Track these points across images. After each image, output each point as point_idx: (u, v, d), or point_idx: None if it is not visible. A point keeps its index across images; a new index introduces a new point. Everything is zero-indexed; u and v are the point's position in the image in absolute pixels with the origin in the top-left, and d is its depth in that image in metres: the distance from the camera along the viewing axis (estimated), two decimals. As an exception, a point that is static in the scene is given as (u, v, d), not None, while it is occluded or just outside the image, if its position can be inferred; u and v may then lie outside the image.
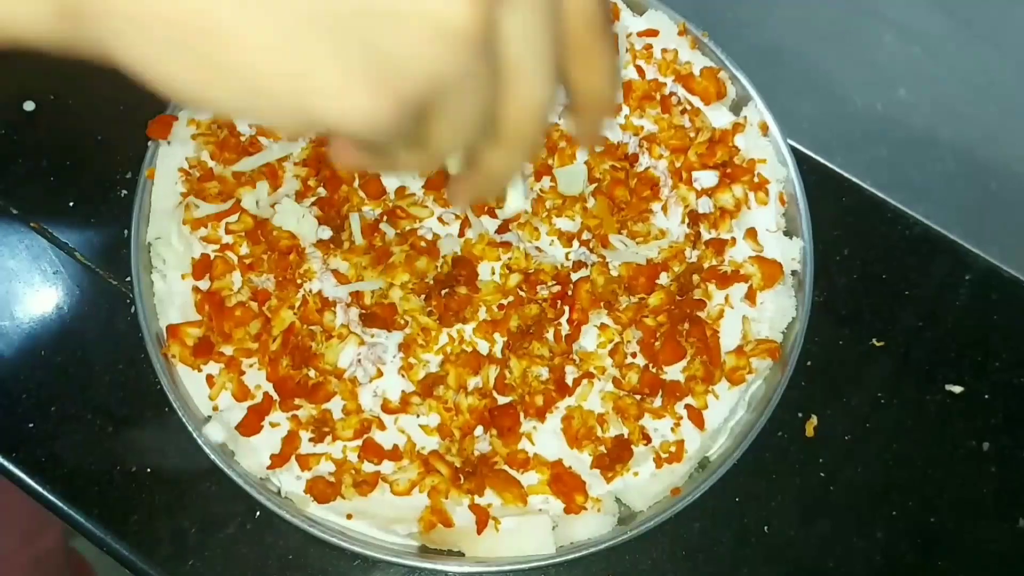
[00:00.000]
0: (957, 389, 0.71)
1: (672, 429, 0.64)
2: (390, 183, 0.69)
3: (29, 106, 0.73)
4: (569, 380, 0.65)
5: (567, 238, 0.68)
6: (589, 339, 0.66)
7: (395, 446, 0.62)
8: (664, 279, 0.68)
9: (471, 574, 0.61)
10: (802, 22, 0.84)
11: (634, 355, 0.66)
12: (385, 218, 0.67)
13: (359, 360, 0.64)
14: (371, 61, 0.23)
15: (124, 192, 0.71)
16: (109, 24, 0.23)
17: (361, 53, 0.23)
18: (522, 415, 0.64)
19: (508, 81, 0.27)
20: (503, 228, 0.68)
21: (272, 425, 0.62)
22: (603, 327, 0.66)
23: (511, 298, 0.66)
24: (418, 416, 0.63)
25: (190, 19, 0.22)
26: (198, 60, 0.23)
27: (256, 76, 0.23)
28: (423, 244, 0.67)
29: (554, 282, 0.67)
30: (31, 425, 0.65)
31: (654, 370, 0.66)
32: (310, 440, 0.62)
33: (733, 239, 0.70)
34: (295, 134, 0.24)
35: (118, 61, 0.24)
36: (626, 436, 0.64)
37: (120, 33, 0.23)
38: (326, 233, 0.66)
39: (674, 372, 0.66)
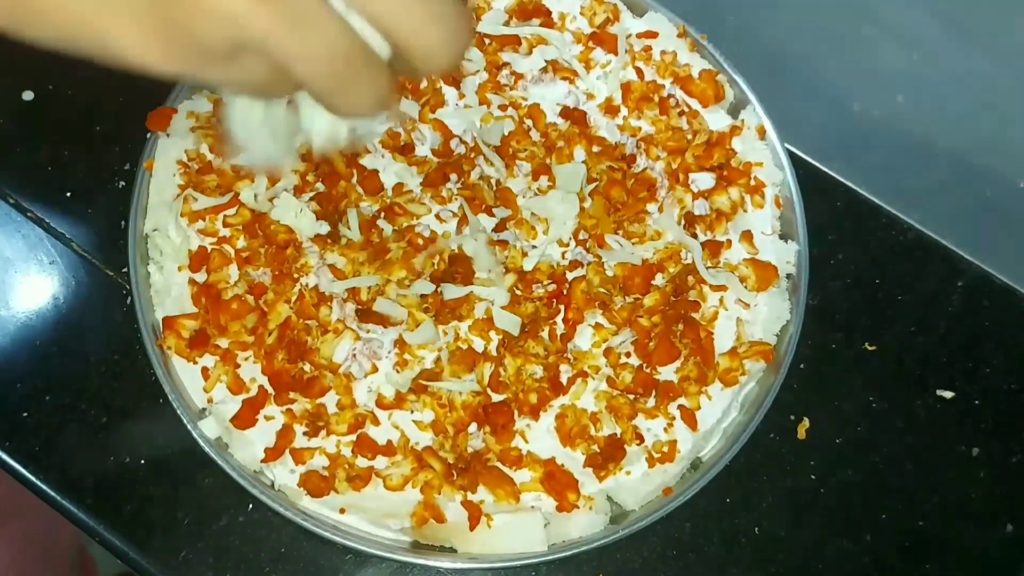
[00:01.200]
0: (948, 394, 0.72)
1: (665, 429, 0.65)
2: (388, 179, 0.69)
3: (28, 96, 0.73)
4: (563, 379, 0.65)
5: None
6: (584, 338, 0.66)
7: (389, 441, 0.63)
8: (659, 280, 0.68)
9: (463, 570, 0.61)
10: (801, 27, 0.84)
11: (628, 355, 0.66)
12: (383, 214, 0.67)
13: (354, 355, 0.64)
14: (159, 25, 0.30)
15: (122, 183, 0.71)
16: None
17: (150, 16, 0.30)
18: (516, 413, 0.64)
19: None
20: (500, 227, 0.68)
21: (267, 418, 0.63)
22: (598, 327, 0.66)
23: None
24: (412, 412, 0.63)
25: None
26: (16, 10, 0.31)
27: (63, 25, 0.31)
28: (420, 241, 0.67)
29: (550, 281, 0.67)
30: (25, 415, 0.65)
31: (648, 370, 0.66)
32: (304, 434, 0.62)
33: (729, 241, 0.70)
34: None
35: None
36: (619, 435, 0.64)
37: None
38: (324, 228, 0.66)
39: (668, 372, 0.66)
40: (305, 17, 0.32)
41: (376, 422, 0.63)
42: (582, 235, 0.69)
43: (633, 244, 0.69)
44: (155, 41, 0.31)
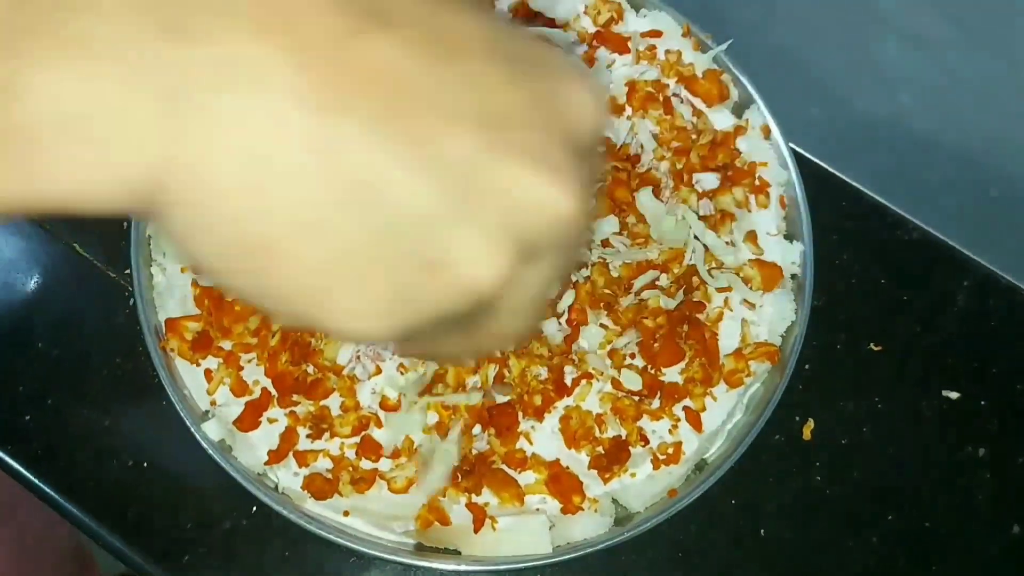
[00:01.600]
0: (954, 395, 0.71)
1: (670, 431, 0.65)
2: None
3: (29, 96, 0.72)
4: (568, 380, 0.65)
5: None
6: (589, 339, 0.66)
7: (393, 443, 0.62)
8: (664, 281, 0.68)
9: (467, 572, 0.61)
10: (806, 26, 0.84)
11: (633, 356, 0.66)
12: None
13: (358, 357, 0.64)
14: (391, 295, 0.24)
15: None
16: (177, 214, 0.23)
17: (386, 288, 0.24)
18: (520, 414, 0.64)
19: (498, 313, 0.28)
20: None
21: (270, 421, 0.62)
22: (602, 327, 0.66)
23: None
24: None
25: (252, 234, 0.23)
26: (244, 265, 0.24)
27: (286, 289, 0.24)
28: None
29: (554, 282, 0.67)
30: (28, 418, 0.65)
31: (653, 371, 0.66)
32: (308, 437, 0.62)
33: (732, 241, 0.70)
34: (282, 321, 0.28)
35: (171, 234, 0.24)
36: (624, 437, 0.64)
37: (185, 224, 0.23)
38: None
39: (672, 374, 0.66)
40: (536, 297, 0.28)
41: (380, 424, 0.63)
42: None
43: (638, 245, 0.68)
44: (378, 313, 0.25)
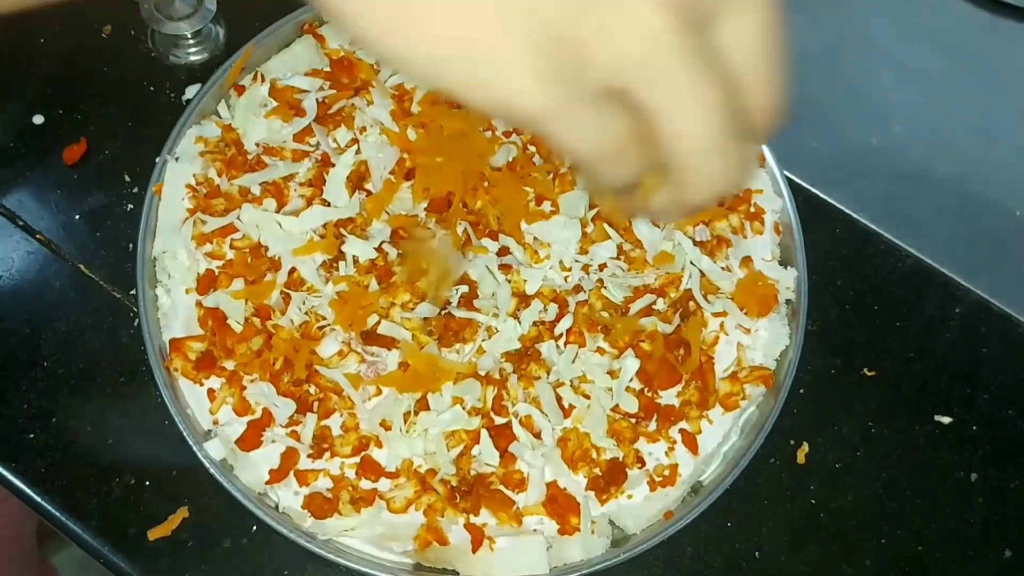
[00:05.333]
0: (946, 420, 0.72)
1: (666, 453, 0.65)
2: (394, 206, 0.70)
3: (38, 119, 0.74)
4: (565, 402, 0.65)
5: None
6: (586, 362, 0.67)
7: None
8: (660, 305, 0.69)
9: (465, 593, 0.61)
10: (800, 56, 0.85)
11: (630, 379, 0.66)
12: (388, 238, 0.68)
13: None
14: (548, 46, 0.24)
15: (131, 207, 0.72)
16: None
17: (539, 36, 0.24)
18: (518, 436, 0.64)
19: (734, 90, 0.27)
20: (503, 251, 0.69)
21: (272, 440, 0.63)
22: (600, 351, 0.67)
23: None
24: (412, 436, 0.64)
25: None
26: (397, 20, 0.25)
27: (441, 41, 0.25)
28: (423, 265, 0.68)
29: (552, 304, 0.68)
30: (31, 436, 0.65)
31: (649, 394, 0.67)
32: (308, 456, 0.63)
33: (729, 267, 0.71)
34: (476, 108, 0.25)
35: (329, 13, 0.26)
36: (621, 459, 0.65)
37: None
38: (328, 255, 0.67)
39: (669, 396, 0.67)
40: (701, 73, 0.27)
41: (380, 444, 0.64)
42: (584, 260, 0.69)
43: (634, 269, 0.69)
44: (541, 83, 0.25)
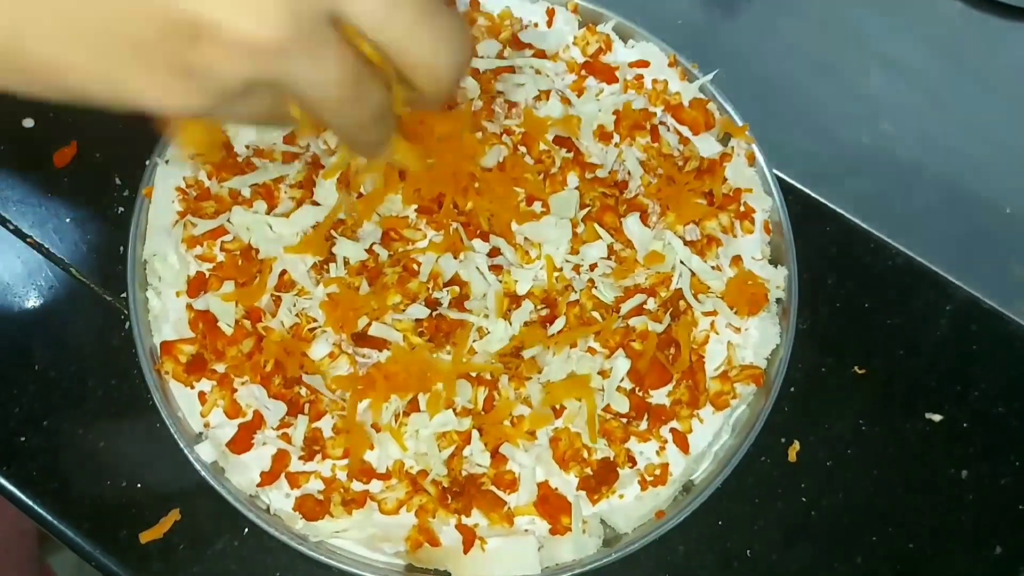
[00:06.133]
0: (937, 417, 0.72)
1: (657, 452, 0.66)
2: (384, 207, 0.70)
3: (28, 123, 0.74)
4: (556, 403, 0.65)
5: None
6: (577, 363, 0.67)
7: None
8: (651, 304, 0.69)
9: (457, 593, 0.61)
10: (790, 55, 0.86)
11: (621, 379, 0.67)
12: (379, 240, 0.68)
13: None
14: (176, 72, 0.29)
15: (121, 209, 0.72)
16: None
17: (166, 65, 0.29)
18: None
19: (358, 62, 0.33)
20: (494, 252, 0.69)
21: (263, 443, 0.63)
22: (591, 351, 0.67)
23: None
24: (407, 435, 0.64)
25: (29, 61, 0.29)
26: (42, 82, 0.30)
27: (86, 90, 0.29)
28: (415, 266, 0.68)
29: (543, 305, 0.68)
30: (23, 439, 0.65)
31: (640, 394, 0.67)
32: (300, 458, 0.63)
33: (719, 266, 0.71)
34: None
35: None
36: (612, 458, 0.65)
37: None
38: (318, 257, 0.67)
39: (660, 396, 0.67)
40: (322, 46, 0.32)
41: (371, 446, 0.64)
42: (575, 259, 0.69)
43: (624, 268, 0.69)
44: (172, 85, 0.29)
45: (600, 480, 0.64)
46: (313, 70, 0.32)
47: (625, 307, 0.68)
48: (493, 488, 0.63)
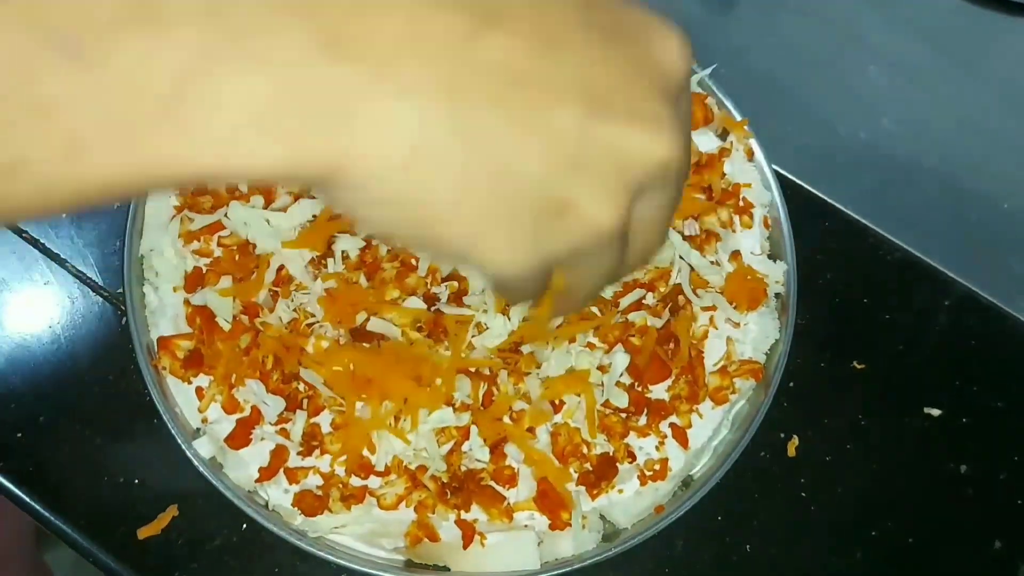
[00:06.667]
0: (936, 412, 0.72)
1: (657, 447, 0.65)
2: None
3: (24, 118, 0.73)
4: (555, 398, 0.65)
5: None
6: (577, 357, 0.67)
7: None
8: (650, 299, 0.69)
9: (456, 588, 0.61)
10: (789, 50, 0.86)
11: (620, 374, 0.66)
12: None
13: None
14: (530, 237, 0.30)
15: (117, 204, 0.71)
16: (348, 195, 0.28)
17: (524, 232, 0.30)
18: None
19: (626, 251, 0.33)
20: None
21: (261, 438, 0.63)
22: (590, 346, 0.67)
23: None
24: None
25: (410, 201, 0.28)
26: (408, 229, 0.29)
27: (445, 242, 0.30)
28: (413, 261, 0.68)
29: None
30: (19, 435, 0.65)
31: (639, 389, 0.67)
32: (298, 454, 0.63)
33: (718, 261, 0.71)
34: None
35: (343, 208, 0.29)
36: (611, 454, 0.64)
37: (355, 202, 0.29)
38: (316, 252, 0.67)
39: (659, 391, 0.67)
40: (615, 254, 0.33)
41: (372, 449, 0.63)
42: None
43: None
44: (518, 251, 0.30)
45: (599, 475, 0.64)
46: (615, 259, 0.33)
47: (624, 302, 0.68)
48: (492, 483, 0.63)
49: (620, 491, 0.64)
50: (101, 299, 0.69)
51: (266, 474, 0.62)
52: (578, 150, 0.29)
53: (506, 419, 0.64)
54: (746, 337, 0.69)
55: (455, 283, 0.67)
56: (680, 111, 0.32)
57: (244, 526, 0.64)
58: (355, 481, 0.63)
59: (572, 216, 0.30)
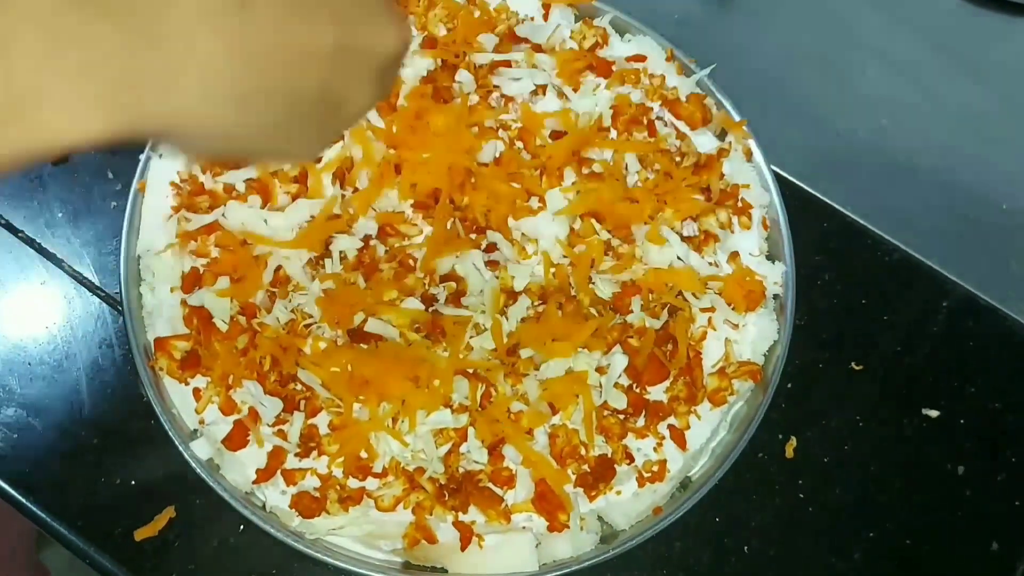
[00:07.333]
0: (934, 413, 0.72)
1: (655, 449, 0.65)
2: (381, 202, 0.69)
3: (20, 117, 0.73)
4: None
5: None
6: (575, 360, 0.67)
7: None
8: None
9: (454, 590, 0.61)
10: (788, 51, 0.86)
11: (618, 375, 0.66)
12: (375, 235, 0.68)
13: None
14: (323, 132, 0.41)
15: (114, 204, 0.71)
16: (161, 141, 0.40)
17: (319, 129, 0.40)
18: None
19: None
20: (491, 248, 0.68)
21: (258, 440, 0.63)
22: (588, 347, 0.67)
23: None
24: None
25: (221, 135, 0.36)
26: (224, 147, 0.38)
27: (257, 154, 0.43)
28: (411, 261, 0.67)
29: (540, 301, 0.67)
30: (16, 436, 0.65)
31: (638, 390, 0.66)
32: (296, 455, 0.63)
33: (716, 262, 0.71)
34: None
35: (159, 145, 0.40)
36: (610, 455, 0.64)
37: (168, 144, 0.38)
38: (314, 252, 0.67)
39: (657, 392, 0.67)
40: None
41: (373, 454, 0.63)
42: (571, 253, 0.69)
43: (621, 265, 0.69)
44: (315, 146, 0.43)
45: (598, 477, 0.63)
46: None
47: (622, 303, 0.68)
48: (490, 485, 0.63)
49: (618, 492, 0.64)
50: (98, 299, 0.69)
51: (263, 475, 0.62)
52: (339, 60, 0.37)
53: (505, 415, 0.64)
54: (744, 338, 0.69)
55: (453, 284, 0.67)
56: (394, 8, 0.41)
57: (241, 527, 0.63)
58: (353, 483, 0.62)
59: (346, 107, 0.39)
